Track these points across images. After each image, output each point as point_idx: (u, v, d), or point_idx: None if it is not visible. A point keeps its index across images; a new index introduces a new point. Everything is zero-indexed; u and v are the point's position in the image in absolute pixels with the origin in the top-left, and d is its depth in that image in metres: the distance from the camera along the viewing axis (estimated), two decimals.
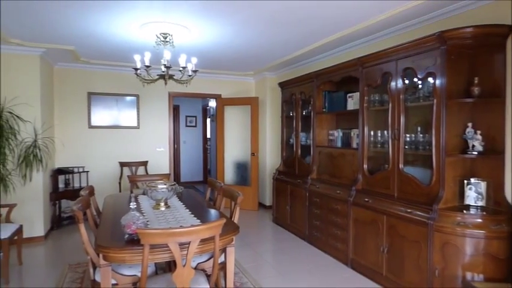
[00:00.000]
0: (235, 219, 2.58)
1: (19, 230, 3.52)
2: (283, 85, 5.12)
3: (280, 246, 4.29)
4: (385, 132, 3.22)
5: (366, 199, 3.29)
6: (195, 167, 9.01)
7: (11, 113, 4.04)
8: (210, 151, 8.39)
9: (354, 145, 3.76)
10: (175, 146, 8.20)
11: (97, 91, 5.54)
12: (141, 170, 5.76)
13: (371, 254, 3.20)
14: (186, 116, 8.82)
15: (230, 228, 2.21)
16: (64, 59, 4.91)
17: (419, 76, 2.79)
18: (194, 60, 3.59)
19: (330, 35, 3.86)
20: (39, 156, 4.21)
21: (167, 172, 5.93)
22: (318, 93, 4.28)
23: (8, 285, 3.12)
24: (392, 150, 3.07)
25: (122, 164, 5.68)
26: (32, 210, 4.30)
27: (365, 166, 3.45)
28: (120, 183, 5.65)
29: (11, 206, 3.59)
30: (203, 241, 1.94)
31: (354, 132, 3.77)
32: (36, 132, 4.29)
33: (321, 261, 3.73)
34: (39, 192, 4.37)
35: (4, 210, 3.54)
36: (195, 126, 8.95)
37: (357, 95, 3.64)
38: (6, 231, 3.28)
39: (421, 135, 2.92)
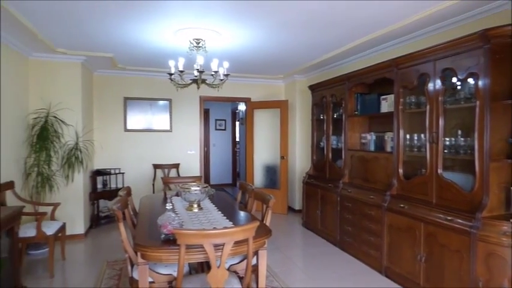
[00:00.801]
0: (267, 223, 2.58)
1: (62, 227, 3.74)
2: (313, 88, 5.07)
3: (310, 251, 4.24)
4: (422, 135, 3.10)
5: (402, 205, 3.18)
6: (224, 170, 9.13)
7: (55, 117, 4.31)
8: (239, 154, 8.47)
9: (388, 149, 3.65)
10: (205, 149, 8.36)
11: (132, 96, 5.78)
12: (173, 172, 5.93)
13: (407, 262, 3.08)
14: (216, 120, 8.98)
15: (263, 232, 2.22)
16: (103, 66, 5.17)
17: (459, 77, 2.66)
18: (226, 64, 3.65)
19: (363, 36, 3.79)
20: (80, 158, 4.45)
21: (198, 174, 6.05)
22: (350, 96, 4.21)
23: (53, 278, 3.31)
24: (430, 154, 2.95)
25: (155, 166, 5.87)
26: (73, 209, 4.54)
27: (400, 171, 3.34)
28: (153, 184, 5.83)
29: (56, 205, 3.81)
30: (237, 243, 1.96)
31: (388, 136, 3.66)
32: (78, 135, 4.54)
33: (353, 267, 3.64)
34: (79, 192, 4.62)
35: (49, 209, 3.77)
36: (225, 129, 9.07)
37: (391, 97, 3.54)
38: (52, 228, 3.49)
39: (462, 138, 2.78)
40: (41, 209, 3.78)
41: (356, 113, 4.18)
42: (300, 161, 6.11)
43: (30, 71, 4.30)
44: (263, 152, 6.49)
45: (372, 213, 3.58)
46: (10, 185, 3.58)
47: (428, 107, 2.97)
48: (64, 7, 2.89)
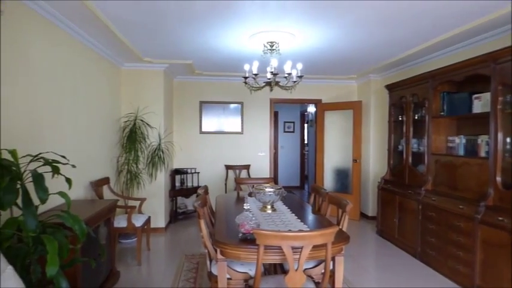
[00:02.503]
0: (344, 228, 2.49)
1: (148, 221, 4.11)
2: (391, 87, 4.76)
3: (386, 261, 3.97)
4: None
5: (500, 218, 2.79)
6: (292, 172, 9.09)
7: (142, 120, 4.76)
8: (308, 156, 8.35)
9: (482, 154, 3.24)
10: (274, 151, 8.44)
11: (207, 100, 6.12)
12: (243, 173, 6.10)
13: (507, 283, 2.69)
14: (285, 122, 8.99)
15: (341, 237, 2.14)
16: (182, 72, 5.56)
17: None
18: (300, 66, 3.63)
19: (449, 31, 3.44)
20: (162, 158, 4.84)
21: (267, 176, 6.13)
22: (434, 95, 3.84)
23: (140, 266, 3.65)
24: None
25: (227, 167, 6.11)
26: (155, 205, 4.96)
27: (498, 179, 2.93)
28: (225, 184, 6.08)
29: (142, 200, 4.21)
30: (314, 247, 1.92)
31: (482, 139, 3.25)
32: (160, 137, 4.95)
33: (437, 283, 3.31)
34: (161, 189, 5.03)
35: (137, 203, 4.17)
36: (293, 131, 9.04)
37: (486, 95, 3.14)
38: (139, 221, 3.86)
39: None
40: (130, 203, 4.21)
41: (442, 113, 3.80)
42: (375, 164, 5.78)
43: (122, 79, 4.84)
44: (333, 154, 6.30)
45: (461, 225, 3.21)
46: (106, 180, 4.06)
47: None
48: (154, 18, 3.18)
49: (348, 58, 4.68)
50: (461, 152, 3.55)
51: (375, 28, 3.39)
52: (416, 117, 4.27)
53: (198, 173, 5.95)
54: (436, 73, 3.75)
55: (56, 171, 2.00)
